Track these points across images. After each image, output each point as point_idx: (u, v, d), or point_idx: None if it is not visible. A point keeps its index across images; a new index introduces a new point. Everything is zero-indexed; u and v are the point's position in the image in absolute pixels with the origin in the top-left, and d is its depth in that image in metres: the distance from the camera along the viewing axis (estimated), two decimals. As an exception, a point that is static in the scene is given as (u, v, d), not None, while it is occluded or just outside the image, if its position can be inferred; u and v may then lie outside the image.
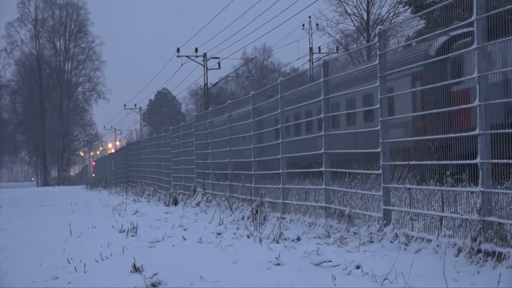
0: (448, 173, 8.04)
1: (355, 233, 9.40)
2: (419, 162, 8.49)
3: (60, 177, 76.48)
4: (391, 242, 8.47)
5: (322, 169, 11.14)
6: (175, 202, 20.27)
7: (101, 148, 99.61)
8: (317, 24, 47.80)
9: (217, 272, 7.04)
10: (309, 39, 51.08)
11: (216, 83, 57.92)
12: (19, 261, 8.57)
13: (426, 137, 8.33)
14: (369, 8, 44.16)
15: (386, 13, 43.52)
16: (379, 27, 9.50)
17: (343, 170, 10.99)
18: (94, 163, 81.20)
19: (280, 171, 13.02)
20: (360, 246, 8.57)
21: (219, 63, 48.32)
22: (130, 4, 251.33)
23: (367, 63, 27.66)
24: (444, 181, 8.10)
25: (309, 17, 50.04)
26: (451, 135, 7.74)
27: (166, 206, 19.81)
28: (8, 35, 74.39)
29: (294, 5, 33.30)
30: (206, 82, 49.60)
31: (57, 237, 10.97)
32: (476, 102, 7.05)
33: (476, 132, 7.07)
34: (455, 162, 7.76)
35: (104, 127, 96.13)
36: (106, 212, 17.44)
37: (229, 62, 79.20)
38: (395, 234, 8.54)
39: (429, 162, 8.24)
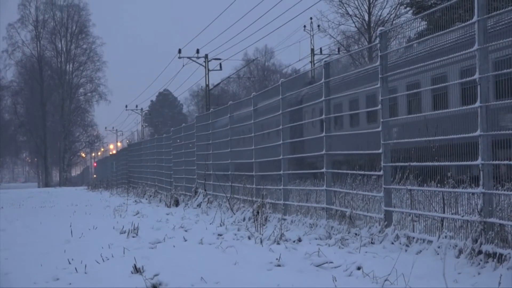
0: (449, 174, 8.03)
1: (356, 234, 9.40)
2: (420, 164, 8.48)
3: (62, 178, 76.46)
4: (392, 243, 8.47)
5: (323, 170, 11.13)
6: (176, 203, 20.26)
7: (102, 149, 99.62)
8: (318, 26, 47.86)
9: (218, 273, 7.04)
10: (311, 40, 51.22)
11: (218, 84, 57.91)
12: (20, 261, 8.56)
13: (427, 138, 8.32)
14: (371, 10, 44.21)
15: (388, 14, 43.64)
16: (380, 28, 9.51)
17: (344, 171, 10.99)
18: (95, 164, 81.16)
19: (281, 172, 13.02)
20: (361, 247, 8.57)
21: (220, 64, 48.42)
22: (131, 5, 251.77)
23: (368, 64, 27.63)
24: (445, 182, 8.09)
25: (311, 18, 50.10)
26: (453, 136, 7.73)
27: (167, 207, 19.80)
28: (9, 36, 74.38)
29: (296, 7, 33.38)
30: (207, 83, 49.69)
31: (58, 238, 10.98)
32: (477, 104, 7.05)
33: (477, 133, 7.06)
34: (456, 163, 7.75)
35: (106, 128, 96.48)
36: (107, 213, 17.45)
37: (231, 63, 79.31)
38: (396, 235, 8.55)
39: (430, 164, 8.23)
